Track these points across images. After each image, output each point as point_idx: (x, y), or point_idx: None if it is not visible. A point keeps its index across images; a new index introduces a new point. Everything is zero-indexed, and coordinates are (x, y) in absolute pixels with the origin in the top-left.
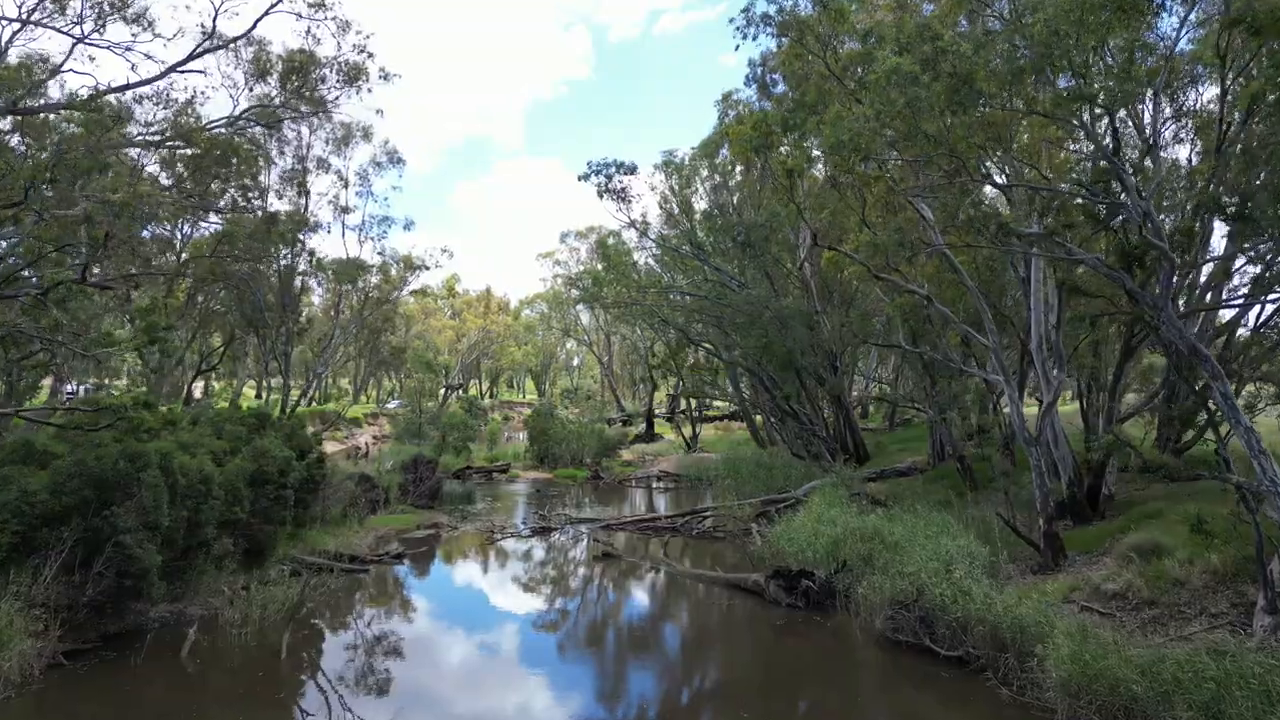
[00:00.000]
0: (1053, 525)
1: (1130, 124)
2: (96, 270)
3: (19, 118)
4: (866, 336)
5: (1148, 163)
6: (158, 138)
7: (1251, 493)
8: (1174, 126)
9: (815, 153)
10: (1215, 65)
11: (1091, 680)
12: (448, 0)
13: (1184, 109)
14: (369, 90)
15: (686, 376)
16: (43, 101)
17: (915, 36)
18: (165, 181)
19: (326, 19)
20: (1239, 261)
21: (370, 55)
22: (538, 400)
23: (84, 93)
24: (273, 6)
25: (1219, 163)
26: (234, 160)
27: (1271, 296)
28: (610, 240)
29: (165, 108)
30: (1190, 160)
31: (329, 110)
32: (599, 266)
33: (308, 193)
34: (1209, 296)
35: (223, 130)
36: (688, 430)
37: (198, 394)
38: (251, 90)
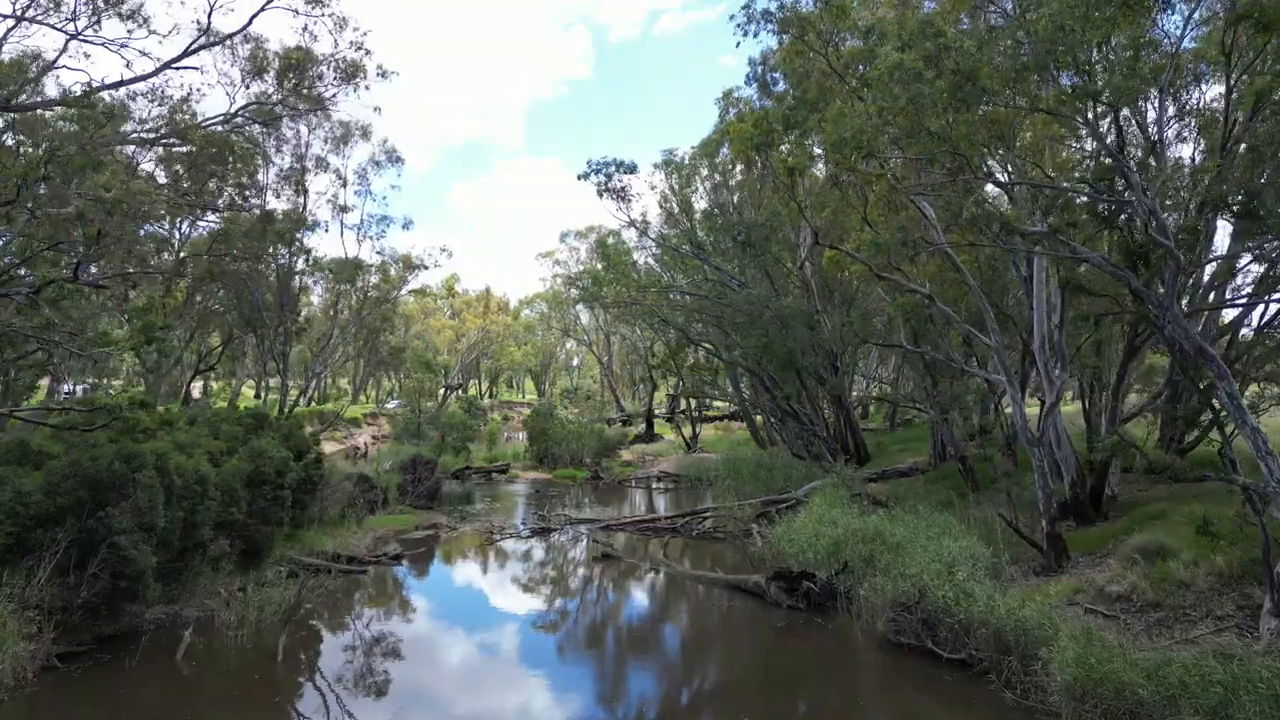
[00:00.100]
0: (1055, 526)
1: (1133, 122)
2: (95, 269)
3: (13, 116)
4: (867, 336)
5: (1151, 161)
6: (152, 135)
7: (1258, 494)
8: (1177, 125)
9: (816, 150)
10: (1219, 63)
11: (1097, 684)
12: None
13: (1186, 107)
14: (366, 88)
15: (686, 376)
16: (38, 99)
17: (918, 33)
18: (163, 180)
19: (324, 15)
20: (1243, 260)
21: (368, 52)
22: (537, 400)
23: (78, 89)
24: (269, 2)
25: (1224, 160)
26: (230, 158)
27: (1276, 295)
28: (610, 240)
29: (160, 105)
30: (1193, 159)
31: (326, 108)
32: (599, 266)
33: (306, 192)
34: (1212, 296)
35: (219, 128)
36: (687, 430)
37: (197, 394)
38: (248, 88)
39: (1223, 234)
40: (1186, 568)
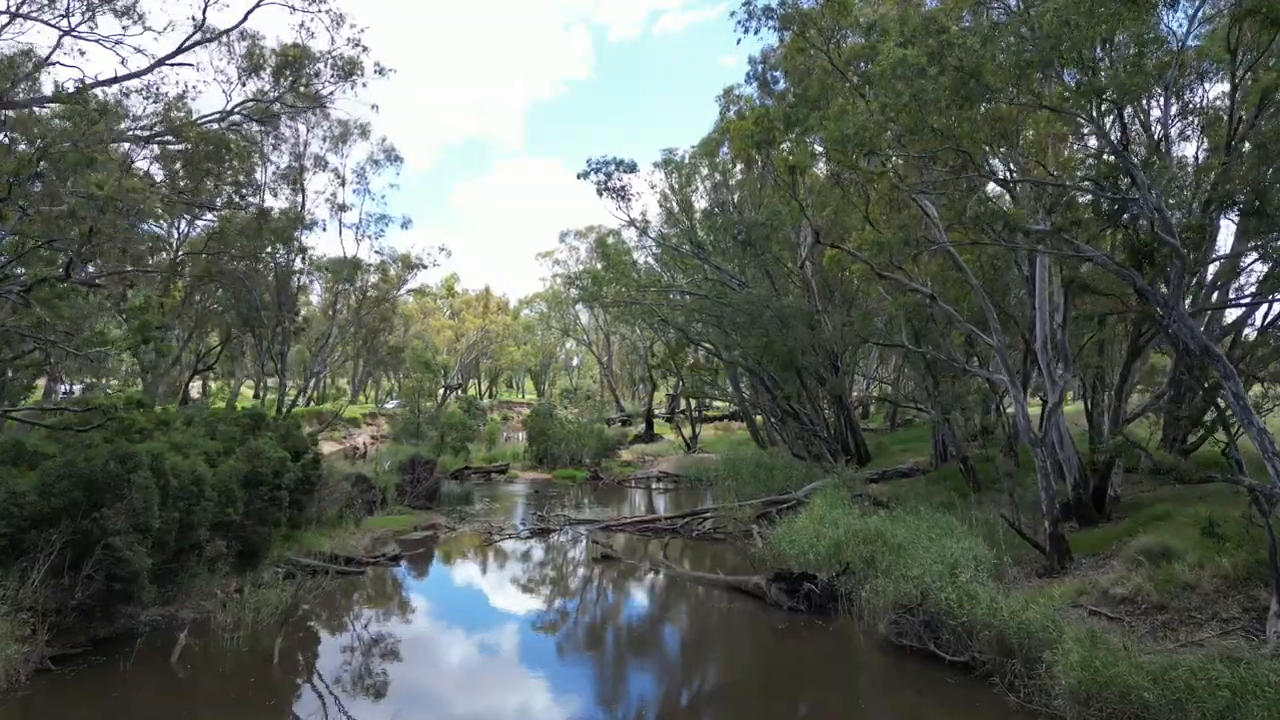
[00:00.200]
0: (1058, 527)
1: (1137, 121)
2: (92, 268)
3: (6, 113)
4: (868, 336)
5: (1156, 159)
6: (147, 133)
7: (1264, 495)
8: (1180, 124)
9: (818, 148)
10: (1224, 61)
11: (1102, 688)
12: None
13: (1189, 106)
14: (364, 85)
15: (686, 376)
16: (33, 96)
17: (921, 29)
18: (160, 177)
19: (321, 12)
20: (1246, 259)
21: (365, 49)
22: (537, 400)
23: (72, 86)
24: None
25: (1229, 158)
26: (225, 155)
27: None
28: (610, 239)
29: (155, 102)
30: (1197, 157)
31: (324, 105)
32: (598, 266)
33: (304, 191)
34: (1215, 296)
35: (215, 125)
36: (687, 430)
37: (195, 394)
38: (244, 85)
39: (1225, 233)
40: (1191, 570)
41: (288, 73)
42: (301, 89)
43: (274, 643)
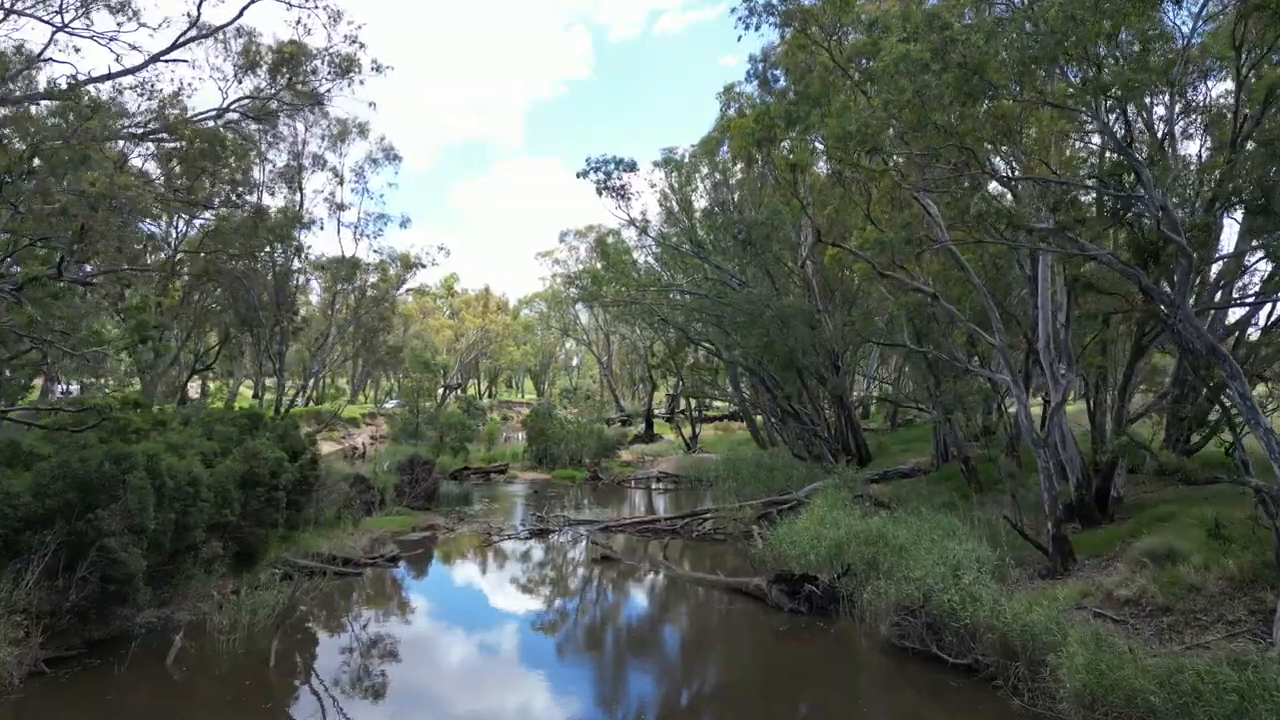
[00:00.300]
0: (1061, 528)
1: (1140, 120)
2: (89, 267)
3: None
4: (869, 336)
5: (1167, 153)
6: (140, 131)
7: (1271, 497)
8: (1183, 122)
9: (818, 146)
10: (1228, 58)
11: (1107, 691)
12: None
13: (1192, 104)
14: (361, 82)
15: (686, 376)
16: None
17: (923, 25)
18: (157, 175)
19: (317, 8)
20: (1250, 258)
21: (362, 46)
22: (536, 400)
23: (64, 83)
24: None
25: (1234, 156)
26: (220, 152)
27: None
28: (609, 239)
29: (150, 99)
30: (1200, 155)
31: (322, 102)
32: (598, 265)
33: (302, 190)
34: (1218, 295)
35: (211, 122)
36: (687, 430)
37: (194, 394)
38: (241, 83)
39: (1228, 233)
40: (1197, 571)
41: (284, 70)
42: (298, 86)
43: (271, 644)
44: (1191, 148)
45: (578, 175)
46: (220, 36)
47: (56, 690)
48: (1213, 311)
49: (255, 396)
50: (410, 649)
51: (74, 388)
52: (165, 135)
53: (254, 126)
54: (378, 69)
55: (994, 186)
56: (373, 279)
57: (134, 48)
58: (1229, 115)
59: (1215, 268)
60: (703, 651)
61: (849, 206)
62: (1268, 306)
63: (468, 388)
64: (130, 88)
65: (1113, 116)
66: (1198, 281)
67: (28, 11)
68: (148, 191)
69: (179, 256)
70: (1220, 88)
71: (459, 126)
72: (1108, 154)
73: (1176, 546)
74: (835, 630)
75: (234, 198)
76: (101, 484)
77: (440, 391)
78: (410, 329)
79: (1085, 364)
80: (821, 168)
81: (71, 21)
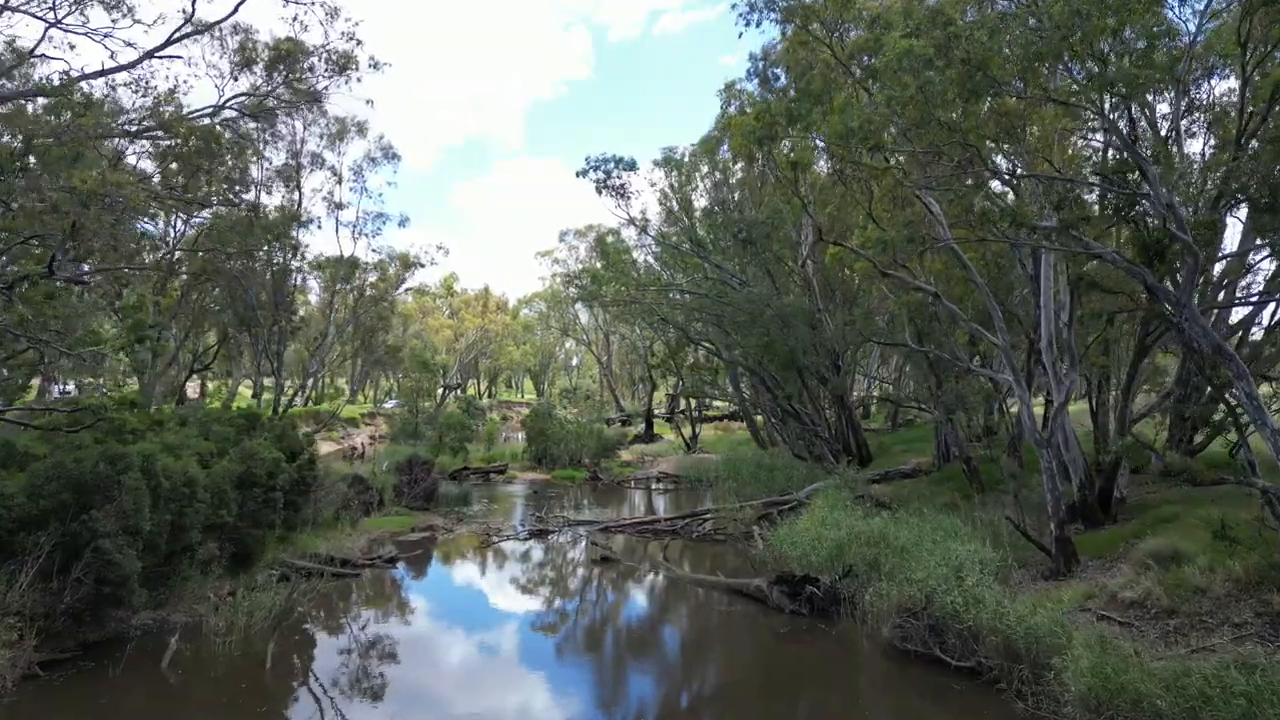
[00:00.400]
0: (1064, 529)
1: (1143, 118)
2: (87, 266)
3: None
4: (870, 335)
5: (1173, 151)
6: (135, 128)
7: (1278, 498)
8: (1185, 120)
9: (819, 143)
10: (1233, 56)
11: (1113, 695)
12: None
13: (1194, 102)
14: (358, 80)
15: (686, 376)
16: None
17: (926, 21)
18: (154, 175)
19: (314, 4)
20: (1253, 256)
21: (359, 43)
22: (536, 400)
23: (56, 79)
24: None
25: (1239, 154)
26: (216, 149)
27: None
28: (609, 238)
29: (144, 95)
30: (1203, 153)
31: (320, 100)
32: (598, 265)
33: (300, 188)
34: (1221, 295)
35: (207, 120)
36: (687, 430)
37: (193, 394)
38: (237, 80)
39: (1231, 232)
40: (1202, 573)
41: (281, 67)
42: (295, 84)
43: (267, 646)
44: (1194, 146)
45: (577, 174)
46: (216, 33)
47: (50, 693)
48: (1215, 311)
49: (254, 396)
50: (409, 650)
51: (70, 387)
52: (160, 133)
53: (252, 125)
54: (375, 66)
55: (996, 186)
56: (371, 278)
57: (129, 44)
58: (1232, 113)
59: (1218, 267)
60: (703, 653)
61: (850, 205)
62: (1271, 305)
63: (467, 388)
64: (124, 84)
65: (1116, 114)
66: (1200, 280)
67: (20, 8)
68: (142, 189)
69: (177, 255)
70: (1223, 86)
71: (457, 124)
72: (1111, 152)
73: (1181, 548)
74: (837, 632)
75: (231, 196)
76: (96, 485)
77: (439, 391)
78: (409, 329)
79: (1088, 363)
80: (822, 166)
81: (65, 17)
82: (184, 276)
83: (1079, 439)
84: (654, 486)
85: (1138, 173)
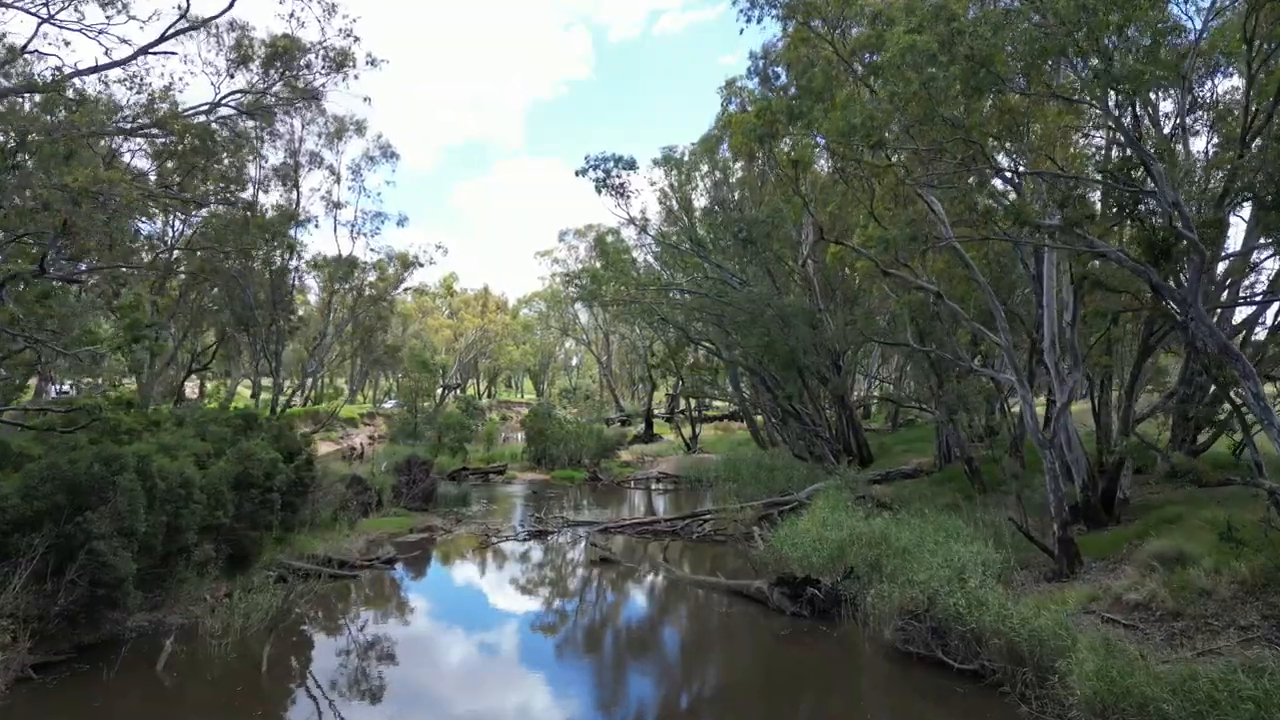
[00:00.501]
0: (1068, 530)
1: (1146, 117)
2: (84, 265)
3: None
4: (871, 335)
5: (1179, 149)
6: (129, 126)
7: None
8: (1188, 118)
9: (820, 140)
10: (1237, 54)
11: (1119, 698)
12: None
13: (1197, 100)
14: (356, 77)
15: (686, 376)
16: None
17: (930, 17)
18: (151, 174)
19: (311, 1)
20: (1256, 256)
21: (357, 40)
22: (536, 400)
23: (48, 75)
24: None
25: (1244, 152)
26: (211, 147)
27: None
28: (609, 238)
29: (139, 92)
30: (1206, 152)
31: (317, 98)
32: (597, 264)
33: (299, 187)
34: (1224, 294)
35: (203, 118)
36: (687, 430)
37: (192, 394)
38: (233, 78)
39: (1234, 231)
40: (1207, 575)
41: (278, 64)
42: (292, 81)
43: (264, 648)
44: (1197, 144)
45: (577, 173)
46: (213, 30)
47: (44, 696)
48: (1219, 310)
49: (253, 396)
50: (408, 651)
51: (66, 387)
52: (155, 130)
53: (250, 123)
54: (373, 63)
55: (998, 184)
56: (370, 278)
57: (123, 41)
58: (1236, 112)
59: (1221, 266)
60: (703, 654)
61: (851, 204)
62: (1276, 305)
63: (466, 387)
64: (119, 81)
65: (1120, 111)
66: (1204, 280)
67: (12, 4)
68: (135, 187)
69: (175, 255)
70: (1226, 84)
71: (457, 124)
72: (1114, 150)
73: (1186, 549)
74: (838, 634)
75: (228, 195)
76: (91, 486)
77: (439, 391)
78: (409, 328)
79: (1090, 363)
80: (823, 165)
81: (59, 13)
82: (182, 276)
83: (1081, 439)
84: (654, 487)
85: (1142, 170)
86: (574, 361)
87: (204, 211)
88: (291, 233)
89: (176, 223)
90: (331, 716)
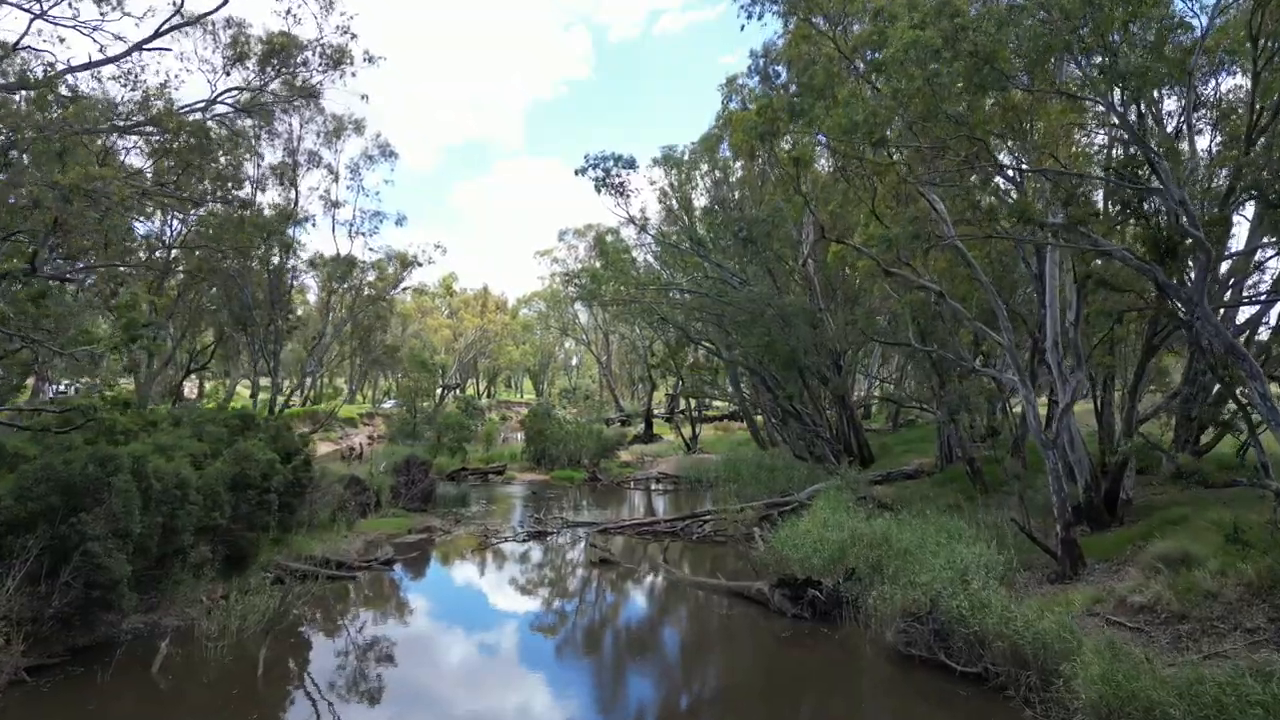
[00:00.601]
0: (1071, 531)
1: (1149, 115)
2: (80, 265)
3: None
4: (872, 334)
5: (1184, 148)
6: (124, 123)
7: None
8: (1193, 116)
9: (821, 138)
10: (1242, 52)
11: (1124, 702)
12: None
13: (1201, 98)
14: (353, 74)
15: (686, 376)
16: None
17: (933, 13)
18: (145, 167)
19: None
20: (1260, 255)
21: (354, 37)
22: (535, 400)
23: (40, 72)
24: None
25: (1248, 149)
26: (207, 144)
27: None
28: (608, 237)
29: (133, 89)
30: (1210, 150)
31: (315, 95)
32: (597, 264)
33: (297, 187)
34: (1228, 293)
35: (199, 115)
36: (687, 431)
37: (191, 394)
38: (229, 75)
39: (1238, 230)
40: (1213, 577)
41: (275, 61)
42: (289, 79)
43: (260, 650)
44: (1200, 143)
45: (576, 172)
46: (208, 26)
47: (38, 699)
48: (1223, 309)
49: (252, 396)
50: (407, 651)
51: (63, 387)
52: (151, 128)
53: (247, 121)
54: (370, 60)
55: (1001, 183)
56: (369, 277)
57: (118, 38)
58: (1240, 110)
59: (1224, 265)
60: (703, 656)
61: (852, 202)
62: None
63: (466, 387)
64: (113, 78)
65: (1125, 109)
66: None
67: (8, 1)
68: (129, 184)
69: (173, 254)
70: (1230, 82)
71: (457, 124)
72: (1117, 148)
73: (1191, 551)
74: (839, 636)
75: (225, 194)
76: (85, 487)
77: (438, 391)
78: (408, 328)
79: (1093, 363)
80: (824, 164)
81: (51, 9)
82: (180, 275)
83: (1084, 439)
84: (653, 487)
85: (1147, 168)
86: (574, 361)
87: (201, 210)
88: (289, 232)
89: (174, 222)
90: (329, 718)
